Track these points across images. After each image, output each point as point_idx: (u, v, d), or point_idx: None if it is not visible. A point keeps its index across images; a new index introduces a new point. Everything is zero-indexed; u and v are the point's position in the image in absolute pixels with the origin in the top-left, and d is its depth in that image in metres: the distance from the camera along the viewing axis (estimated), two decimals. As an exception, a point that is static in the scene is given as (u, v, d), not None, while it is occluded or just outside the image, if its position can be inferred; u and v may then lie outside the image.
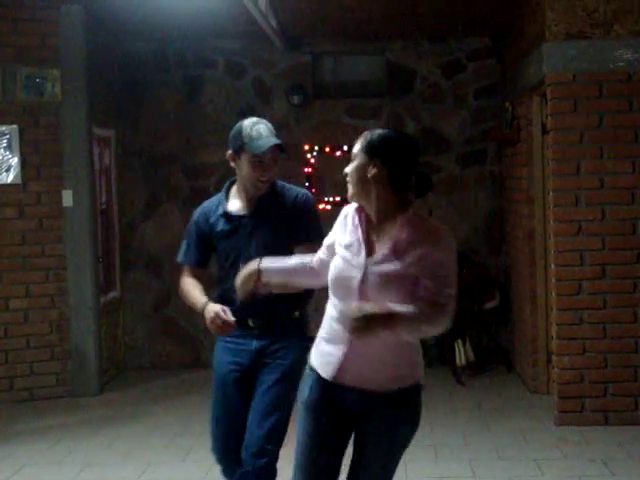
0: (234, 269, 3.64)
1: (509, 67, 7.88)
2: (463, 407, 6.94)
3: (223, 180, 8.09)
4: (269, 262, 3.44)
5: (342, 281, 3.12)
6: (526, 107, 7.06)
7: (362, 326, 2.90)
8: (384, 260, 3.04)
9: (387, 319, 2.92)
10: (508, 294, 8.05)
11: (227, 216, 3.94)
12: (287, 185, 4.00)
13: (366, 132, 3.17)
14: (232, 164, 3.94)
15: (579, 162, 6.13)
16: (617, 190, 6.12)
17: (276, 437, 3.77)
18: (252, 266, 3.43)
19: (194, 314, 8.48)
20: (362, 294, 3.04)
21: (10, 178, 7.20)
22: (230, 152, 3.91)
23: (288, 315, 3.89)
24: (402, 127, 8.32)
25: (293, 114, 8.42)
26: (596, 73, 6.10)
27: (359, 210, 3.18)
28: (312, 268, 3.39)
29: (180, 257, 4.08)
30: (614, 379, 6.15)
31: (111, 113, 8.13)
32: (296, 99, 8.36)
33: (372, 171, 3.06)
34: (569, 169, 6.14)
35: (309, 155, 8.38)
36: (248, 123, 3.88)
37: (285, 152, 3.98)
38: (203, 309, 3.74)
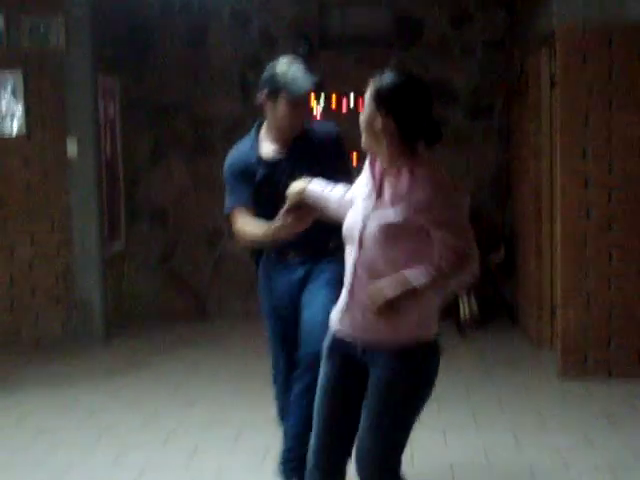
0: (274, 214, 3.58)
1: (518, 19, 7.79)
2: (466, 360, 6.96)
3: (229, 130, 8.15)
4: (317, 186, 3.41)
5: (350, 231, 3.09)
6: (535, 59, 6.99)
7: (384, 308, 2.89)
8: (383, 210, 3.00)
9: (408, 293, 2.89)
10: (513, 248, 8.03)
11: (263, 162, 3.89)
12: (315, 123, 3.94)
13: (377, 76, 3.07)
14: (265, 106, 3.85)
15: (587, 115, 6.08)
16: (625, 143, 6.07)
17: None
18: (301, 184, 3.43)
19: (198, 266, 8.58)
20: (360, 243, 3.02)
21: (15, 128, 7.17)
22: (264, 94, 3.82)
23: (325, 246, 3.90)
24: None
25: (299, 65, 8.33)
26: (606, 25, 6.02)
27: (373, 158, 3.12)
28: (343, 203, 3.33)
29: (227, 205, 3.98)
30: (618, 333, 6.16)
31: (116, 62, 8.06)
32: (302, 49, 8.27)
33: (379, 121, 2.99)
34: (577, 122, 6.09)
35: (315, 105, 8.30)
36: (284, 64, 3.79)
37: (323, 89, 3.91)
38: (272, 227, 3.61)
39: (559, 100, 6.21)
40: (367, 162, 3.16)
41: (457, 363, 6.82)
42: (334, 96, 8.27)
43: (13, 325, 7.27)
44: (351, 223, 3.09)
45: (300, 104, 3.80)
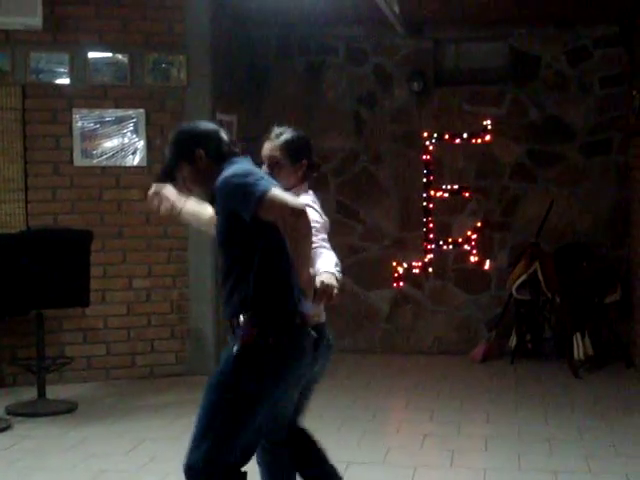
0: None
1: (637, 54, 7.65)
2: (580, 401, 6.80)
3: (342, 165, 8.21)
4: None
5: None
6: (654, 95, 6.85)
7: None
8: None
9: None
10: (630, 288, 7.84)
11: None
12: None
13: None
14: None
15: None
16: None
17: None
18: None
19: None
20: None
21: (136, 161, 7.40)
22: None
23: None
24: (525, 115, 8.22)
25: (413, 101, 8.37)
26: None
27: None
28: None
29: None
30: None
31: (234, 99, 8.24)
32: (417, 86, 8.30)
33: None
34: (698, 160, 5.94)
35: (428, 142, 8.30)
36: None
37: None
38: None
39: (680, 137, 6.07)
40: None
41: (570, 404, 6.67)
42: (447, 134, 8.26)
43: (129, 353, 7.45)
44: None
45: None
